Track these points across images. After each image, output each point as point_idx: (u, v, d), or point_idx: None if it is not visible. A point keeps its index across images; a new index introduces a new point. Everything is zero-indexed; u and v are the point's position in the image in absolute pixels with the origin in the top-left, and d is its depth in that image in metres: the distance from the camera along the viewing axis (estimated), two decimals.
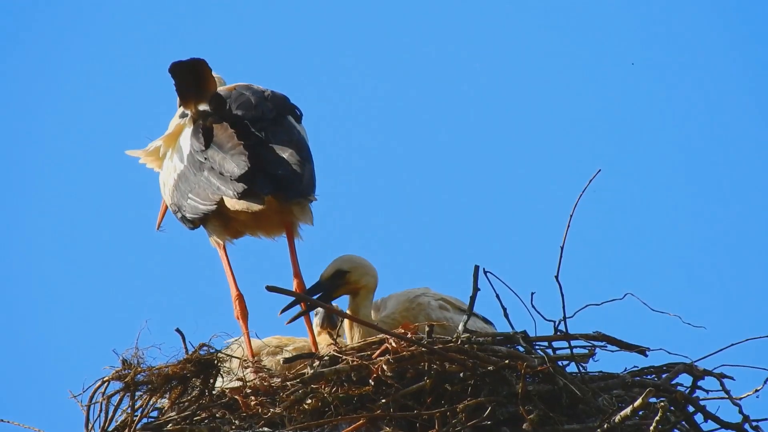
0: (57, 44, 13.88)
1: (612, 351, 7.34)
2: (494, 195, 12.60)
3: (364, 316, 7.85)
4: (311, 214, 7.73)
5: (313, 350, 7.68)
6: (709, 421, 7.20)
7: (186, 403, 7.27)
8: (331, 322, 8.23)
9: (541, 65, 14.09)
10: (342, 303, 8.08)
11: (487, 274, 7.22)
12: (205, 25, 14.29)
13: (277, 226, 7.78)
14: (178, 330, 7.33)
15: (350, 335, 7.91)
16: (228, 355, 7.42)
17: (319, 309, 8.10)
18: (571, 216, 7.07)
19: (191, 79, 7.53)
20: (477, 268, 7.27)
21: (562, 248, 7.07)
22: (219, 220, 7.74)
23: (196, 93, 7.60)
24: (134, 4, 14.11)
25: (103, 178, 11.55)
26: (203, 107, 7.67)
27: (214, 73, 7.76)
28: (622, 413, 6.94)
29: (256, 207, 7.42)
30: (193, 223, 7.79)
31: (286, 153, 7.49)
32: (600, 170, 7.09)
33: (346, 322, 7.96)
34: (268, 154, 7.51)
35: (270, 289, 7.21)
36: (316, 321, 8.27)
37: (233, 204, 7.48)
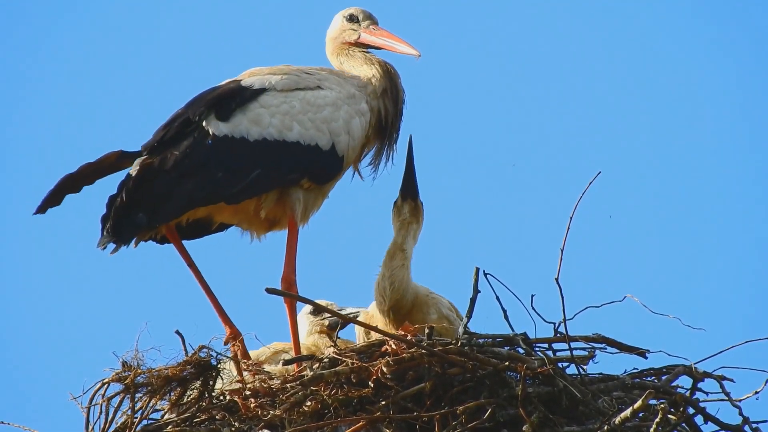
0: (53, 43, 13.89)
1: (612, 353, 7.34)
2: (494, 197, 12.59)
3: (406, 248, 7.99)
4: None
5: (294, 352, 7.73)
6: (709, 422, 7.20)
7: (186, 405, 7.27)
8: (331, 324, 8.23)
9: (542, 67, 14.10)
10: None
11: (488, 276, 7.22)
12: (203, 25, 14.29)
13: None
14: (177, 332, 7.34)
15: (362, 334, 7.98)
16: (228, 357, 7.42)
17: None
18: (571, 218, 7.07)
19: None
20: (477, 270, 7.28)
21: (562, 250, 7.07)
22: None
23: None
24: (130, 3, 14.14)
25: (103, 179, 11.50)
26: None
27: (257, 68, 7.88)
28: (622, 415, 6.94)
29: None
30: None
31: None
32: (600, 172, 7.10)
33: (362, 314, 8.00)
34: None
35: (270, 291, 7.21)
36: (318, 320, 8.28)
37: None
